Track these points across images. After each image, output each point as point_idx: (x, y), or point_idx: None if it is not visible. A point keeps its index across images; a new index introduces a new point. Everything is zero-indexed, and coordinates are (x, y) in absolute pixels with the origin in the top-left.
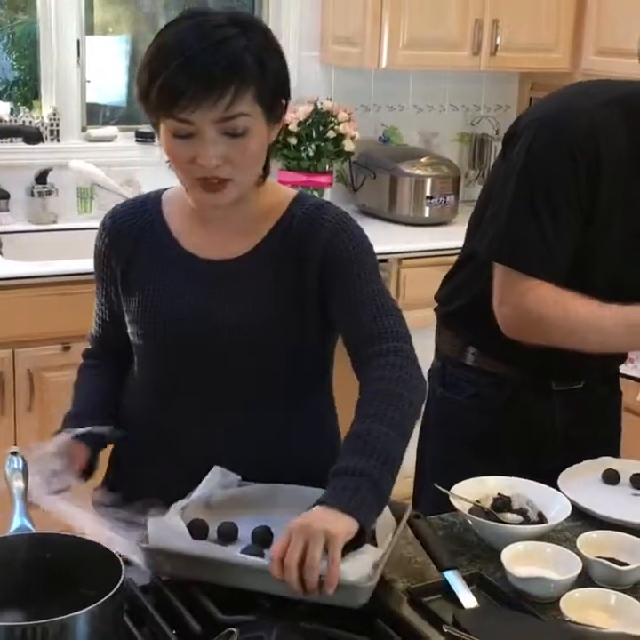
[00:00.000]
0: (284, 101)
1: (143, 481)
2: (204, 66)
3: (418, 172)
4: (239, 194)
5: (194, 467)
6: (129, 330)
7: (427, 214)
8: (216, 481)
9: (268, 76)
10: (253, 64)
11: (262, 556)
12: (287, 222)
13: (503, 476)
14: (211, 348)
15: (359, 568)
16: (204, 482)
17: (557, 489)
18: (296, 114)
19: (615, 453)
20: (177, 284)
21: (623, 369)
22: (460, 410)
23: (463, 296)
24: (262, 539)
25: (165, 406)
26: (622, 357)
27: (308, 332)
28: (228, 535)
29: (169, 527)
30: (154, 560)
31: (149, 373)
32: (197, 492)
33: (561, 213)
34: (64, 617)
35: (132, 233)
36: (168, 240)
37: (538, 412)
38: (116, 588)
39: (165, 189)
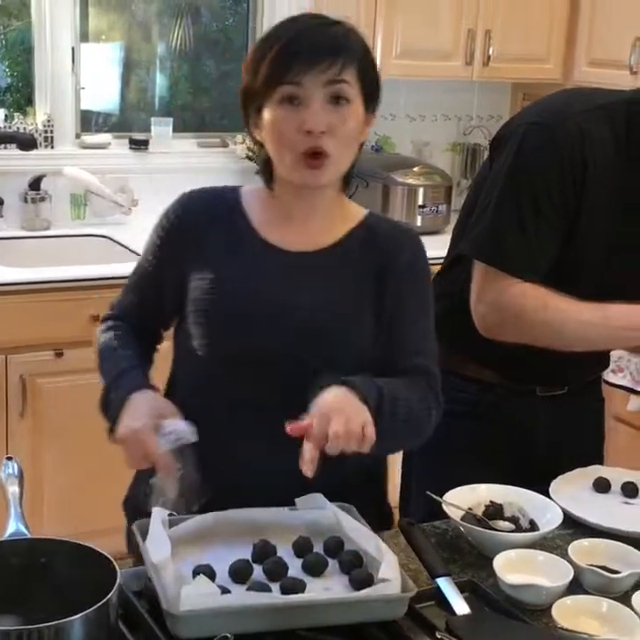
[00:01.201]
0: (376, 104)
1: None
2: (317, 36)
3: (410, 181)
4: (335, 175)
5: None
6: (190, 309)
7: (419, 223)
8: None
9: (369, 62)
10: (359, 46)
11: (271, 590)
12: (366, 231)
13: (487, 480)
14: (278, 332)
15: (398, 579)
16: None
17: (548, 496)
18: None
19: (599, 459)
20: (252, 268)
21: (612, 378)
22: (445, 415)
23: (447, 302)
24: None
25: (220, 395)
26: (605, 363)
27: (368, 335)
28: (241, 575)
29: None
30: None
31: (211, 353)
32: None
33: (545, 215)
34: (59, 621)
35: (208, 215)
36: (246, 228)
37: (522, 417)
38: (110, 592)
39: (240, 186)
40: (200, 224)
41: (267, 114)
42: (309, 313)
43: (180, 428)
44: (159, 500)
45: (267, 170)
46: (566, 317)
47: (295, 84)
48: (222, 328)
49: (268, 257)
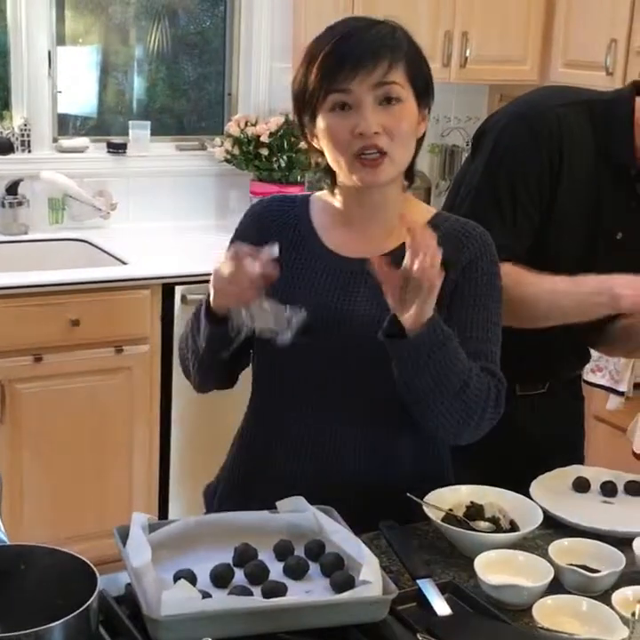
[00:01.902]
0: (430, 100)
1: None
2: (360, 39)
3: None
4: (394, 173)
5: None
6: None
7: None
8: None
9: (418, 59)
10: (406, 44)
11: (252, 594)
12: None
13: (467, 479)
14: (336, 339)
15: (379, 581)
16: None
17: (528, 496)
18: (267, 125)
19: (579, 457)
20: (313, 276)
21: (591, 378)
22: None
23: None
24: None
25: (278, 400)
26: (585, 360)
27: None
28: (222, 579)
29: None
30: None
31: (267, 361)
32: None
33: (522, 202)
34: (39, 628)
35: (278, 225)
36: (310, 235)
37: (501, 417)
38: (91, 598)
39: (303, 195)
40: (271, 230)
41: (320, 122)
42: (365, 322)
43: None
44: (257, 325)
45: (329, 176)
46: (539, 290)
47: (343, 92)
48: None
49: (327, 264)
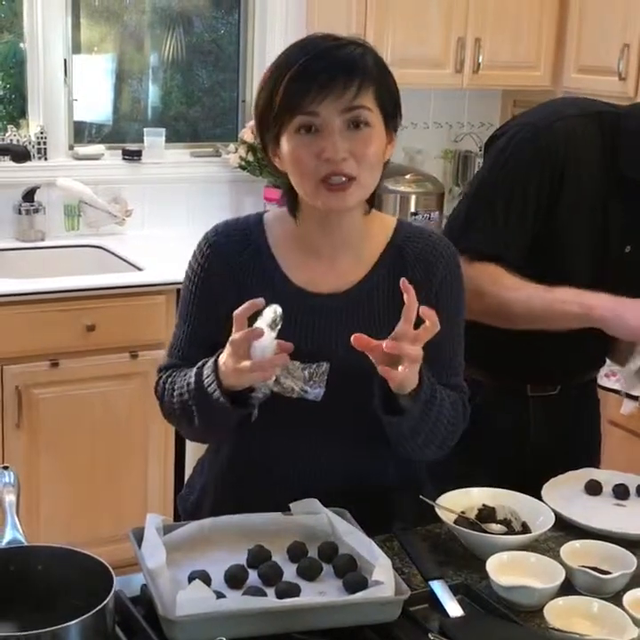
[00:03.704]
0: (398, 120)
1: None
2: (329, 60)
3: (402, 188)
4: (361, 198)
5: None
6: None
7: None
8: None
9: (387, 81)
10: (374, 66)
11: (266, 595)
12: (396, 250)
13: (479, 481)
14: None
15: (391, 582)
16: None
17: (540, 499)
18: None
19: (594, 461)
20: (288, 320)
21: (605, 382)
22: None
23: None
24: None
25: (263, 442)
26: (598, 365)
27: None
28: (236, 580)
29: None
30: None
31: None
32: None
33: (516, 208)
34: (56, 627)
35: (241, 261)
36: (277, 274)
37: (513, 417)
38: (107, 598)
39: (263, 213)
40: (233, 266)
41: (285, 143)
42: (346, 357)
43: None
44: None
45: (291, 199)
46: (514, 294)
47: (310, 114)
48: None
49: (302, 305)
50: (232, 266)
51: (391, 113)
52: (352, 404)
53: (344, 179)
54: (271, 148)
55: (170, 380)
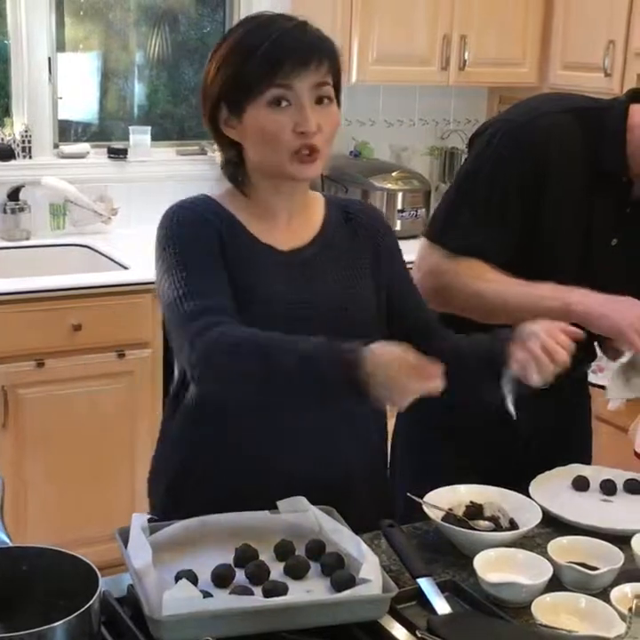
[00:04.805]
0: (340, 100)
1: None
2: (301, 37)
3: (389, 186)
4: (322, 169)
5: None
6: None
7: (398, 228)
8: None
9: (339, 62)
10: (333, 47)
11: (253, 593)
12: (337, 214)
13: (466, 475)
14: (307, 329)
15: (379, 580)
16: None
17: (528, 495)
18: None
19: (586, 456)
20: (265, 275)
21: (593, 378)
22: (426, 408)
23: None
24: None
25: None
26: (588, 360)
27: (379, 316)
28: (223, 579)
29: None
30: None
31: None
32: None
33: (496, 205)
34: (41, 628)
35: (216, 221)
36: (246, 236)
37: (503, 413)
38: (92, 599)
39: (203, 195)
40: (216, 231)
41: (252, 115)
42: (328, 305)
43: None
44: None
45: (238, 169)
46: (494, 287)
47: (285, 87)
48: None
49: (272, 261)
50: (212, 222)
51: (339, 90)
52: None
53: (311, 151)
54: (226, 119)
55: (230, 329)
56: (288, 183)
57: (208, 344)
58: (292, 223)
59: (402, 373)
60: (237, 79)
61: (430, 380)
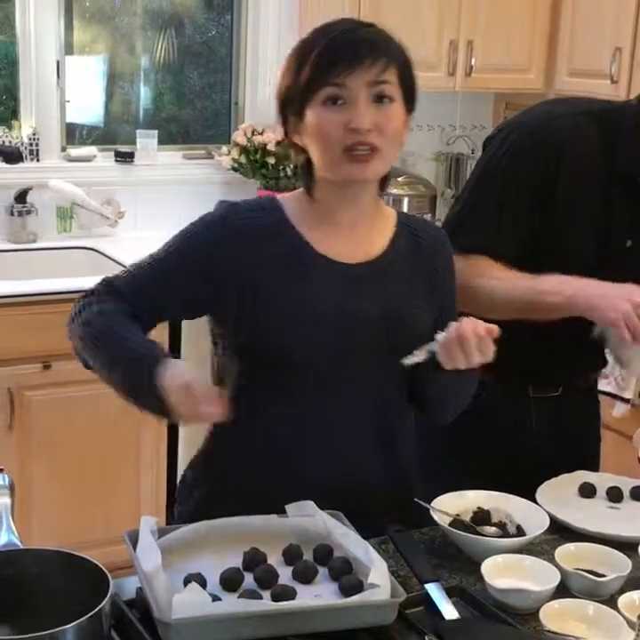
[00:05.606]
0: (414, 107)
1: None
2: (357, 37)
3: (395, 191)
4: (382, 171)
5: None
6: (261, 325)
7: None
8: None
9: (409, 64)
10: (398, 48)
11: (261, 597)
12: (407, 234)
13: (478, 480)
14: (349, 346)
15: (387, 585)
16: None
17: (535, 502)
18: (274, 134)
19: (594, 463)
20: (315, 288)
21: (599, 385)
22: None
23: None
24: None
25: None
26: (598, 367)
27: (428, 330)
28: (231, 583)
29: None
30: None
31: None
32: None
33: (509, 206)
34: (52, 630)
35: (260, 234)
36: (300, 244)
37: (514, 418)
38: (103, 601)
39: (268, 198)
40: (254, 247)
41: (310, 116)
42: (380, 322)
43: None
44: None
45: (307, 175)
46: (498, 283)
47: (337, 86)
48: (302, 343)
49: (327, 273)
50: (251, 238)
51: (410, 95)
52: (374, 365)
53: (368, 150)
54: (293, 125)
55: (104, 308)
56: (351, 189)
57: (81, 311)
58: (356, 234)
59: (186, 399)
60: (295, 83)
61: (213, 408)
